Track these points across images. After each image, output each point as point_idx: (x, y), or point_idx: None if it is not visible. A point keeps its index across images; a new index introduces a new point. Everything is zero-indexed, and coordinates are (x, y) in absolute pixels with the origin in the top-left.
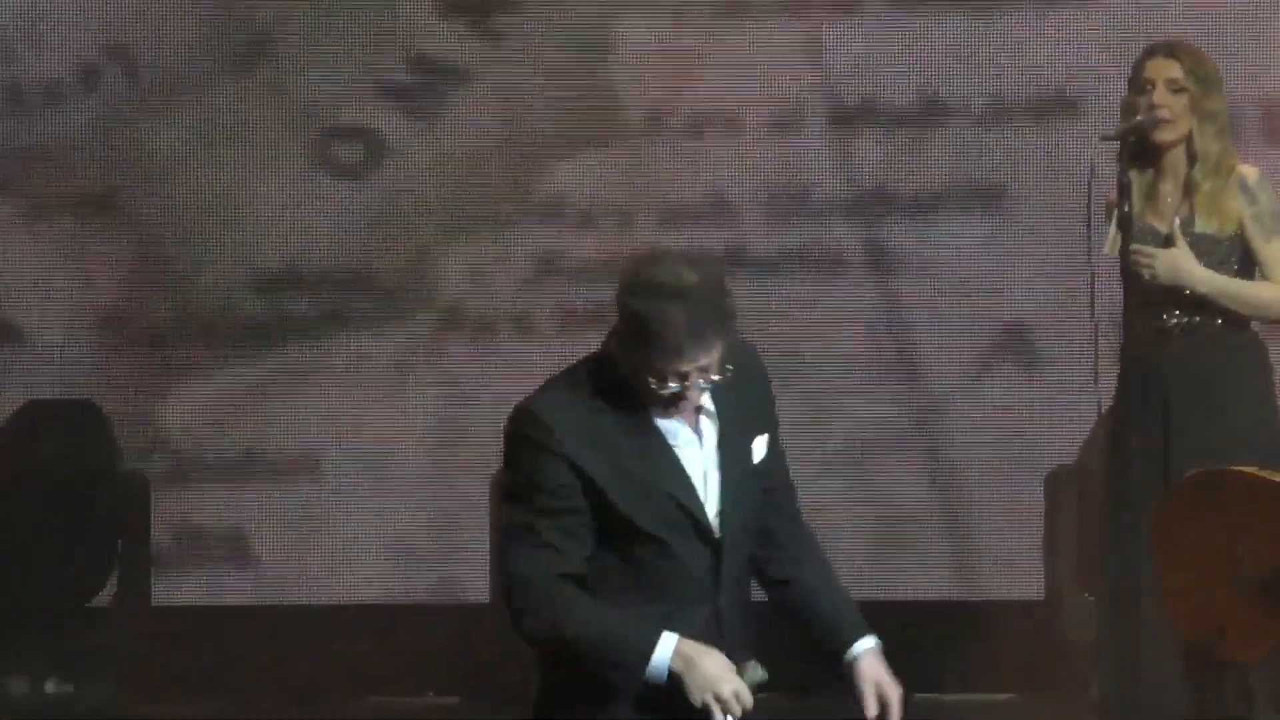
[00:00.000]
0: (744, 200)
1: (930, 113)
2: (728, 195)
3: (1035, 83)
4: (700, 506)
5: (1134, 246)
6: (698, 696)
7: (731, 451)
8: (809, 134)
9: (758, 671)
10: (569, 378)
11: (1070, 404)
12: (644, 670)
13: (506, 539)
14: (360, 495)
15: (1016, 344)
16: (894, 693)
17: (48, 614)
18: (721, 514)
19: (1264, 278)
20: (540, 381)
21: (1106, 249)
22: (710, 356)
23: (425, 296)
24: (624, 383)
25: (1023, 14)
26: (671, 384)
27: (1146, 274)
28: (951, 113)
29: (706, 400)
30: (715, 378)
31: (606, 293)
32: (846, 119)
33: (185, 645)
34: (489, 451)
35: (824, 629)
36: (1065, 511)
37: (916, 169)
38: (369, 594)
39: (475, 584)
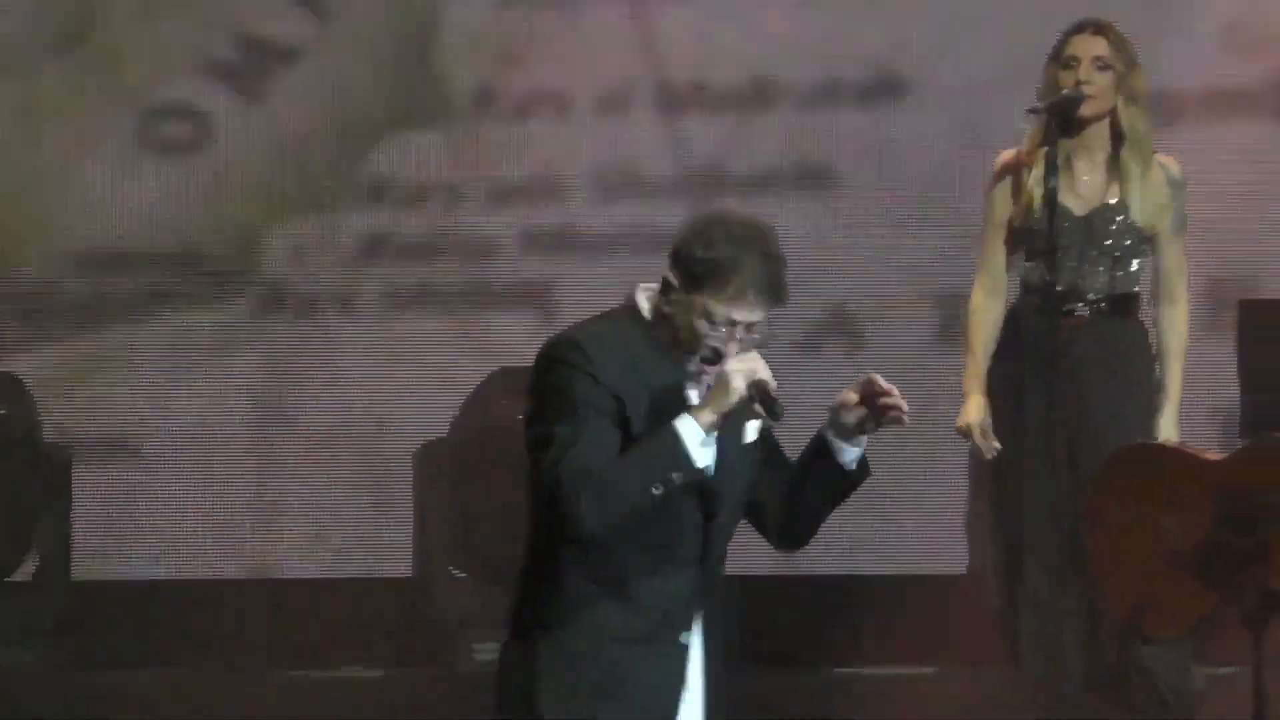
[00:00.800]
0: (573, 180)
1: (760, 94)
2: (556, 175)
3: (864, 65)
4: (709, 485)
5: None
6: (741, 384)
7: (727, 432)
8: (638, 115)
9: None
10: (605, 322)
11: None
12: (686, 447)
13: (558, 449)
14: (182, 474)
15: (844, 325)
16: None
17: None
18: (716, 478)
19: (1158, 271)
20: (364, 362)
21: (1003, 216)
22: (761, 314)
23: (250, 276)
24: (653, 331)
25: None
26: (720, 330)
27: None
28: (781, 94)
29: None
30: (757, 337)
31: (434, 272)
32: (676, 100)
33: None
34: (313, 430)
35: (807, 454)
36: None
37: (746, 150)
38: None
39: (296, 562)
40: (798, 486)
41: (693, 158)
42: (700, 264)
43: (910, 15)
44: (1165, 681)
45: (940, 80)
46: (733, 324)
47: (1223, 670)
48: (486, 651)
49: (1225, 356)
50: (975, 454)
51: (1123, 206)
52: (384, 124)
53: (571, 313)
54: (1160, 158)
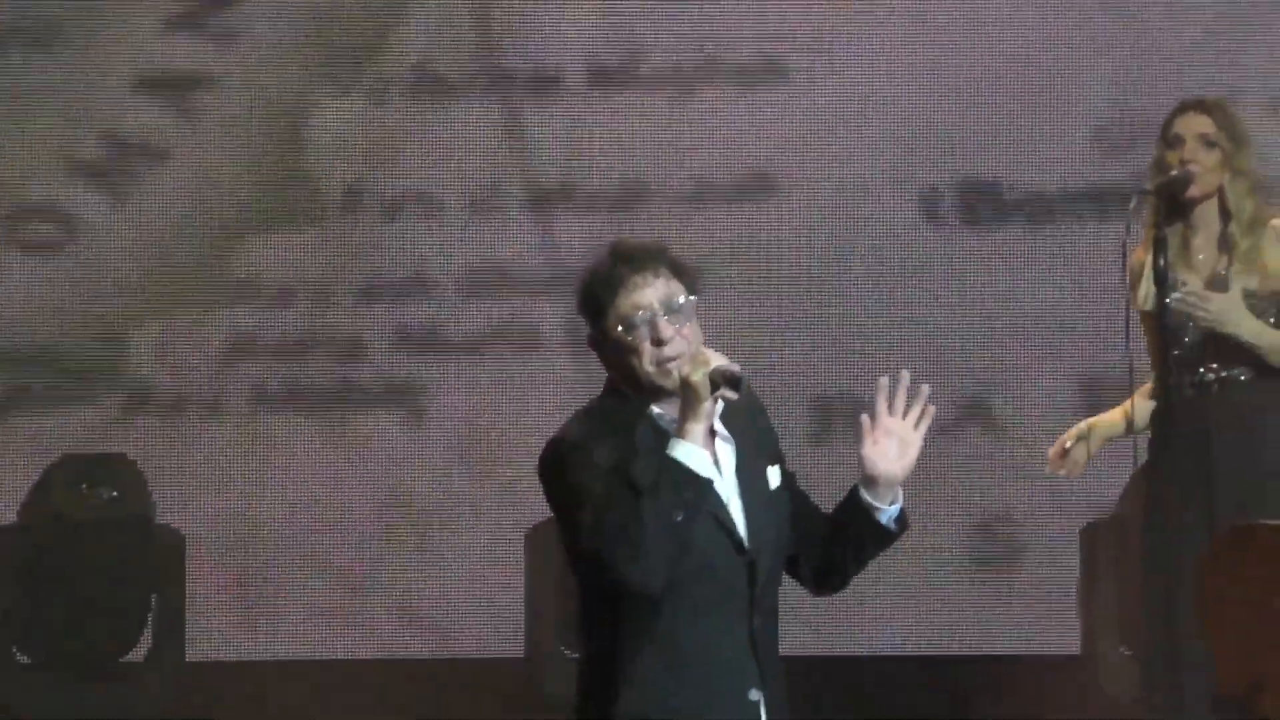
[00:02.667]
0: (443, 279)
1: (629, 194)
2: (426, 274)
3: (734, 164)
4: (733, 522)
5: (1187, 289)
6: (702, 380)
7: (749, 475)
8: (508, 214)
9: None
10: (587, 416)
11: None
12: (686, 465)
13: (579, 537)
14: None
15: None
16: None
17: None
18: (750, 533)
19: None
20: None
21: (1139, 304)
22: (663, 287)
23: (114, 377)
24: (634, 410)
25: (722, 96)
26: (639, 321)
27: (1200, 316)
28: (651, 193)
29: (719, 425)
30: (681, 308)
31: (301, 373)
32: (546, 199)
33: None
34: (178, 528)
35: (843, 508)
36: (1102, 564)
37: None
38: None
39: None
40: (837, 541)
41: (563, 257)
42: (588, 300)
43: (779, 114)
44: None
45: (809, 180)
46: (645, 309)
47: None
48: None
49: None
50: (1089, 536)
51: (1233, 278)
52: (253, 222)
53: (440, 414)
54: (1275, 221)
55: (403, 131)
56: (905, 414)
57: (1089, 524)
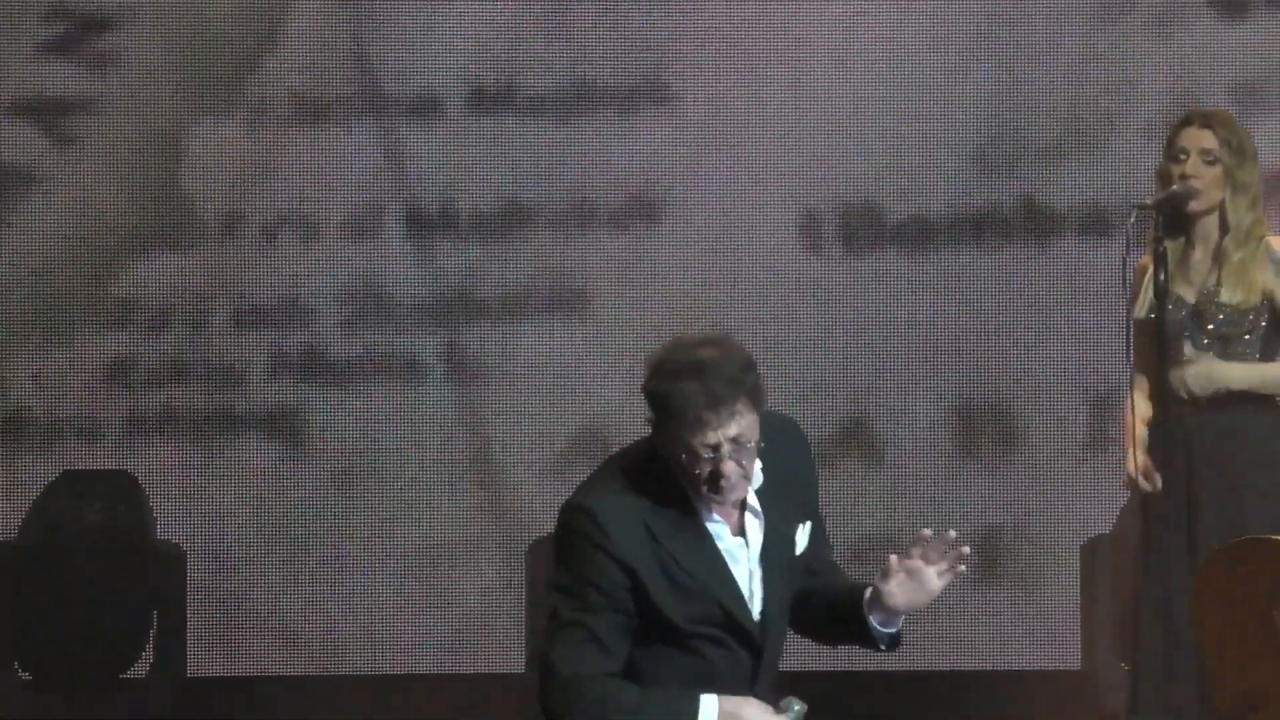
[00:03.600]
0: (321, 302)
1: (510, 216)
2: (303, 297)
3: (615, 187)
4: (747, 613)
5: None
6: None
7: (775, 551)
8: (388, 237)
9: (794, 706)
10: (623, 472)
11: None
12: None
13: (554, 633)
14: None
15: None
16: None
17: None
18: (764, 615)
19: None
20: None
21: (1139, 314)
22: (737, 425)
23: None
24: (672, 478)
25: (603, 119)
26: (705, 456)
27: (1181, 392)
28: (532, 217)
29: (752, 498)
30: (750, 446)
31: (178, 397)
32: (427, 222)
33: None
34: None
35: (845, 593)
36: (1102, 580)
37: (497, 273)
38: None
39: None
40: (825, 617)
41: (443, 280)
42: (656, 403)
43: (660, 138)
44: None
45: (690, 203)
46: (711, 448)
47: None
48: None
49: None
50: (1090, 551)
51: (1221, 290)
52: (129, 246)
53: (320, 437)
54: (1270, 238)
55: (280, 155)
56: (934, 560)
57: (1089, 540)
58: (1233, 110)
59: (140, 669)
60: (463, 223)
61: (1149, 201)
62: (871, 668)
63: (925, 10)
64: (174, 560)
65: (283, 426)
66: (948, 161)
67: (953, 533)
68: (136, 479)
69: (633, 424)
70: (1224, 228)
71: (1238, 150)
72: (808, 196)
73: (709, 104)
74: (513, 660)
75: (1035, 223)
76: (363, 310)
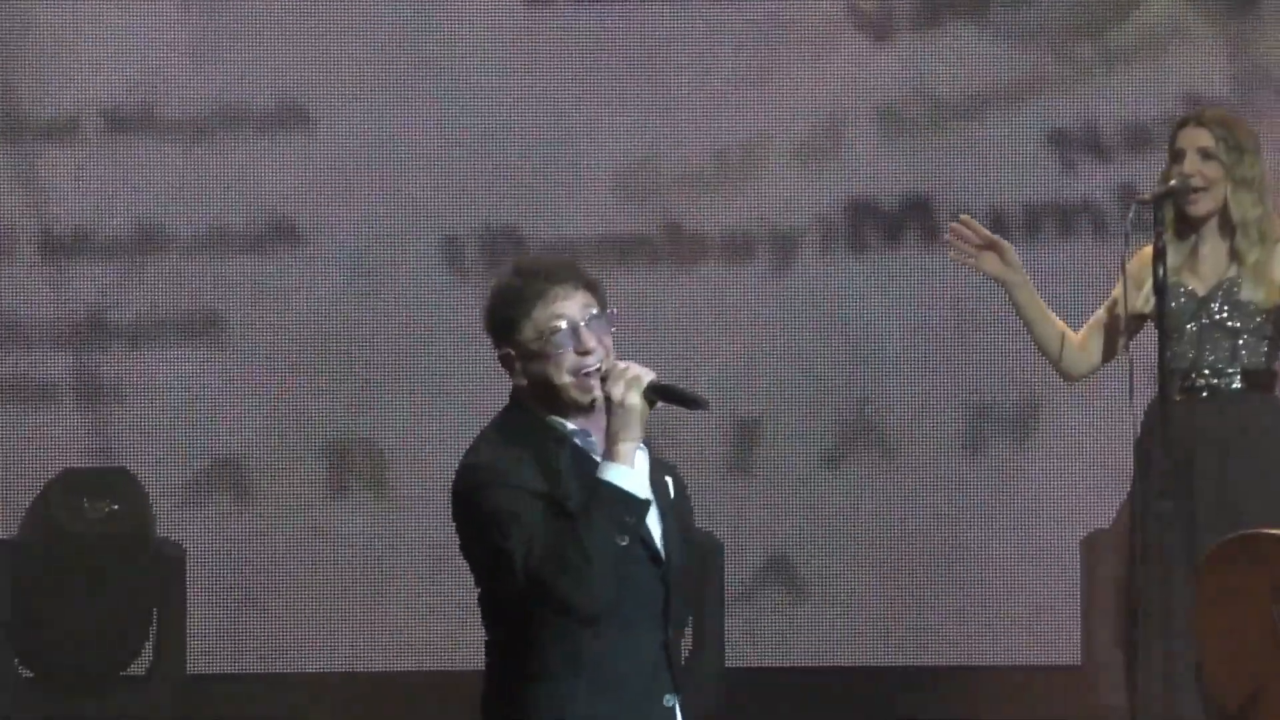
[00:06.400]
0: None
1: (146, 240)
2: None
3: (254, 210)
4: (652, 534)
5: None
6: (636, 399)
7: (659, 485)
8: (20, 262)
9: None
10: (499, 434)
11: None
12: (622, 489)
13: (512, 562)
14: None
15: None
16: None
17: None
18: (664, 538)
19: None
20: None
21: (1138, 306)
22: (583, 297)
23: None
24: (540, 421)
25: (242, 141)
26: (562, 328)
27: None
28: (169, 240)
29: (641, 466)
30: (601, 320)
31: None
32: (60, 245)
33: None
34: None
35: None
36: (1102, 574)
37: (133, 297)
38: None
39: None
40: None
41: (75, 304)
42: (498, 313)
43: (300, 160)
44: None
45: (330, 226)
46: (565, 319)
47: None
48: None
49: None
50: (1090, 545)
51: (1238, 282)
52: None
53: None
54: None
55: None
56: None
57: (1089, 534)
58: (895, 133)
59: (140, 666)
60: (97, 245)
61: (1146, 196)
62: (874, 664)
63: (565, 32)
64: (175, 559)
65: None
66: (590, 185)
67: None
68: (136, 477)
69: (268, 451)
70: (1231, 226)
71: (1235, 146)
72: (449, 220)
73: (349, 127)
74: None
75: (679, 247)
76: None
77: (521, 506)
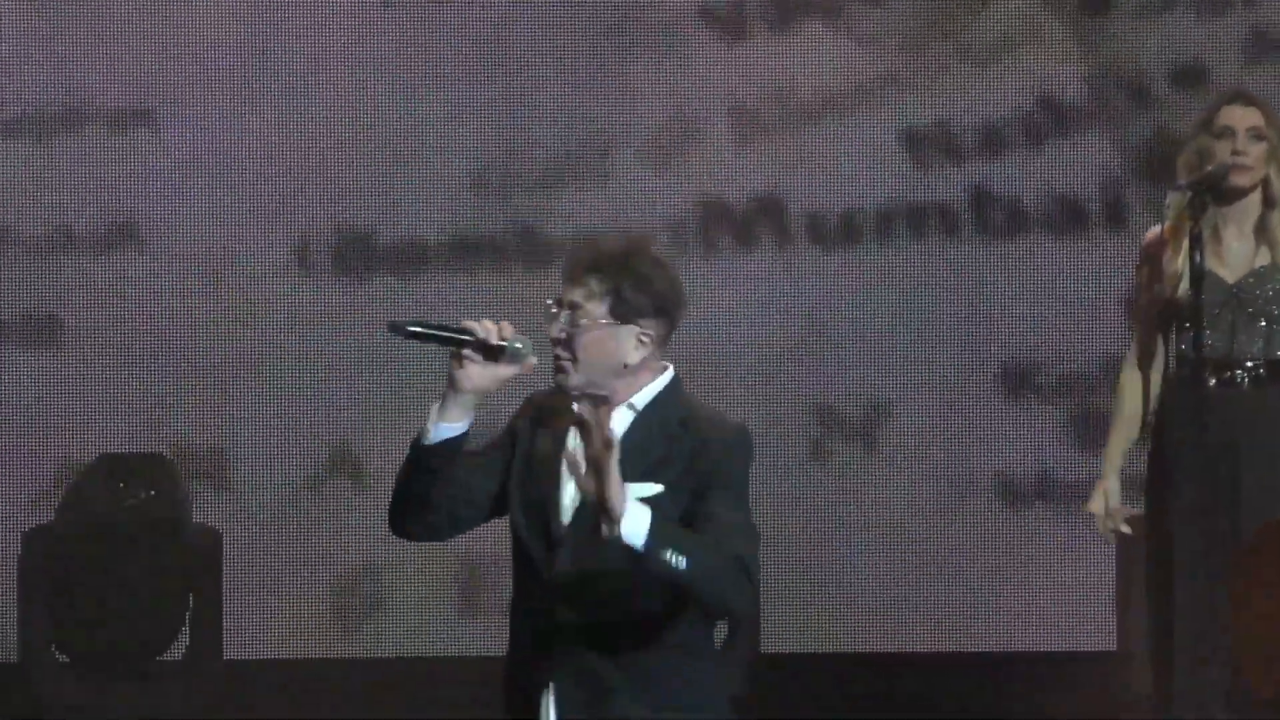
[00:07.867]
0: None
1: None
2: None
3: (97, 210)
4: (557, 510)
5: None
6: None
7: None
8: None
9: (516, 344)
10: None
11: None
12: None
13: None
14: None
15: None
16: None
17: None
18: (576, 518)
19: None
20: None
21: (1173, 294)
22: (583, 294)
23: None
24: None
25: (85, 140)
26: (552, 312)
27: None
28: (8, 239)
29: (622, 419)
30: (581, 323)
31: None
32: None
33: None
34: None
35: None
36: (1137, 562)
37: None
38: None
39: None
40: None
41: None
42: None
43: (144, 160)
44: None
45: (176, 227)
46: (557, 302)
47: None
48: None
49: None
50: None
51: (1273, 271)
52: None
53: None
54: None
55: None
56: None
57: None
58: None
59: (176, 651)
60: None
61: (1184, 182)
62: (904, 649)
63: (417, 31)
64: (210, 544)
65: None
66: (441, 186)
67: None
68: (173, 462)
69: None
70: (1269, 203)
71: (1277, 128)
72: (298, 220)
73: (196, 127)
74: None
75: (533, 251)
76: None
77: (488, 444)
